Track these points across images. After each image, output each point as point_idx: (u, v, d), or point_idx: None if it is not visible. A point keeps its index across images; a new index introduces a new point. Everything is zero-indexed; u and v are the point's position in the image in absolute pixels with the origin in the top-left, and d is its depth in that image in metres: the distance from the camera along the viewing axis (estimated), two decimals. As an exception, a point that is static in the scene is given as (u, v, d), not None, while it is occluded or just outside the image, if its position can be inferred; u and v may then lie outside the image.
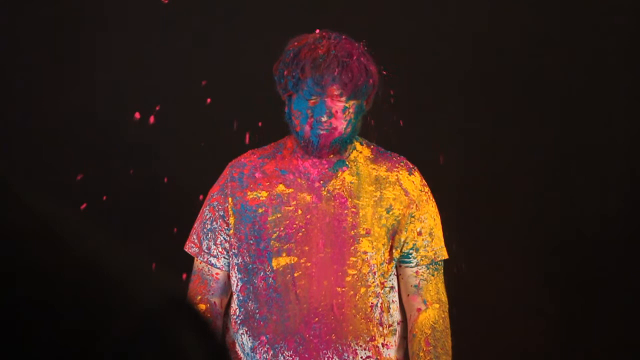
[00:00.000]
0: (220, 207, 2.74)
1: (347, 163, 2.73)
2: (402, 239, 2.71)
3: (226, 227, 2.73)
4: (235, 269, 2.72)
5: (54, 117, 3.83)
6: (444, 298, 2.76)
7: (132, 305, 0.69)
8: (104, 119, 3.84)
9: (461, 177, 3.87)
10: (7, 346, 0.63)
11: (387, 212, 2.70)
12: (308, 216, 2.68)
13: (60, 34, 3.85)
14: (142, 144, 3.82)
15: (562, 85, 3.94)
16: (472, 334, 3.69)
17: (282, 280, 2.66)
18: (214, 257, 2.74)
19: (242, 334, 2.71)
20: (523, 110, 3.94)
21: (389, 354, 2.71)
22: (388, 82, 2.73)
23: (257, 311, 2.68)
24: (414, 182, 2.75)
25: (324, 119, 2.61)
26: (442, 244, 2.78)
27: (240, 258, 2.71)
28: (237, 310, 2.72)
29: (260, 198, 2.71)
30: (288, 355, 2.65)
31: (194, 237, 2.78)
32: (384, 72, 2.70)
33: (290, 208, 2.69)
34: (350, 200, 2.69)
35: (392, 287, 2.72)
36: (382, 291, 2.70)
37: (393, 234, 2.70)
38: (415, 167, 2.79)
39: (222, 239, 2.74)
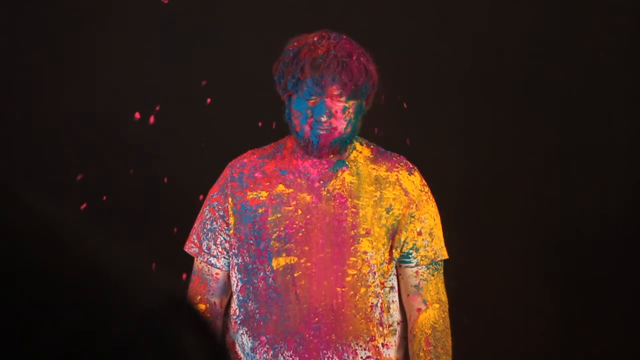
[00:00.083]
0: (220, 207, 2.73)
1: (347, 163, 2.73)
2: (402, 239, 2.71)
3: (226, 227, 2.73)
4: (235, 269, 2.71)
5: (54, 117, 3.82)
6: (444, 298, 2.76)
7: (132, 305, 0.69)
8: (104, 119, 3.84)
9: (461, 177, 3.87)
10: (7, 346, 0.63)
11: (387, 212, 2.70)
12: (308, 216, 2.68)
13: (60, 34, 3.84)
14: (142, 144, 3.82)
15: (562, 85, 3.93)
16: (472, 334, 3.68)
17: (282, 280, 2.66)
18: (213, 257, 2.74)
19: (242, 334, 2.71)
20: (523, 110, 3.94)
21: (389, 354, 2.71)
22: (396, 86, 2.73)
23: (257, 311, 2.68)
24: (413, 182, 2.75)
25: (324, 119, 2.61)
26: (442, 244, 2.77)
27: (240, 258, 2.70)
28: (237, 310, 2.72)
29: (260, 198, 2.71)
30: (288, 355, 2.65)
31: (194, 237, 2.77)
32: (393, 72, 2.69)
33: (290, 208, 2.69)
34: (350, 200, 2.69)
35: (392, 287, 2.72)
36: (382, 291, 2.69)
37: (393, 234, 2.70)
38: (415, 167, 2.79)
39: (222, 239, 2.73)
